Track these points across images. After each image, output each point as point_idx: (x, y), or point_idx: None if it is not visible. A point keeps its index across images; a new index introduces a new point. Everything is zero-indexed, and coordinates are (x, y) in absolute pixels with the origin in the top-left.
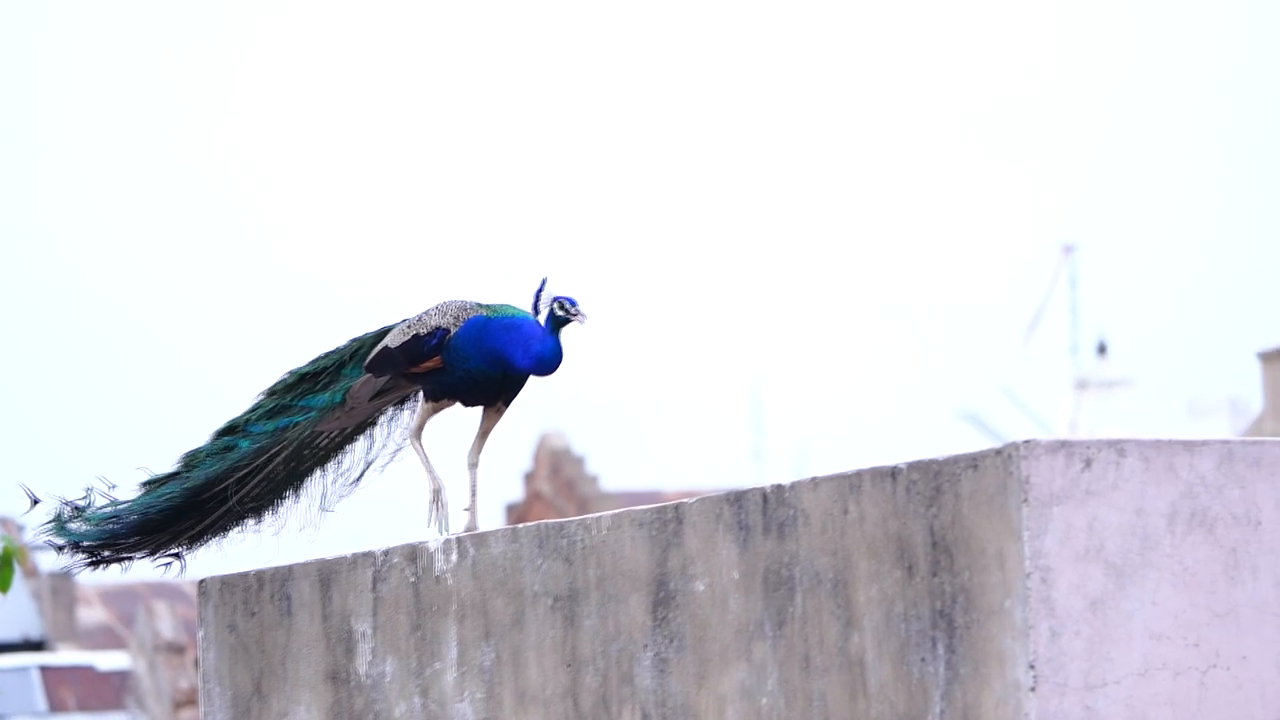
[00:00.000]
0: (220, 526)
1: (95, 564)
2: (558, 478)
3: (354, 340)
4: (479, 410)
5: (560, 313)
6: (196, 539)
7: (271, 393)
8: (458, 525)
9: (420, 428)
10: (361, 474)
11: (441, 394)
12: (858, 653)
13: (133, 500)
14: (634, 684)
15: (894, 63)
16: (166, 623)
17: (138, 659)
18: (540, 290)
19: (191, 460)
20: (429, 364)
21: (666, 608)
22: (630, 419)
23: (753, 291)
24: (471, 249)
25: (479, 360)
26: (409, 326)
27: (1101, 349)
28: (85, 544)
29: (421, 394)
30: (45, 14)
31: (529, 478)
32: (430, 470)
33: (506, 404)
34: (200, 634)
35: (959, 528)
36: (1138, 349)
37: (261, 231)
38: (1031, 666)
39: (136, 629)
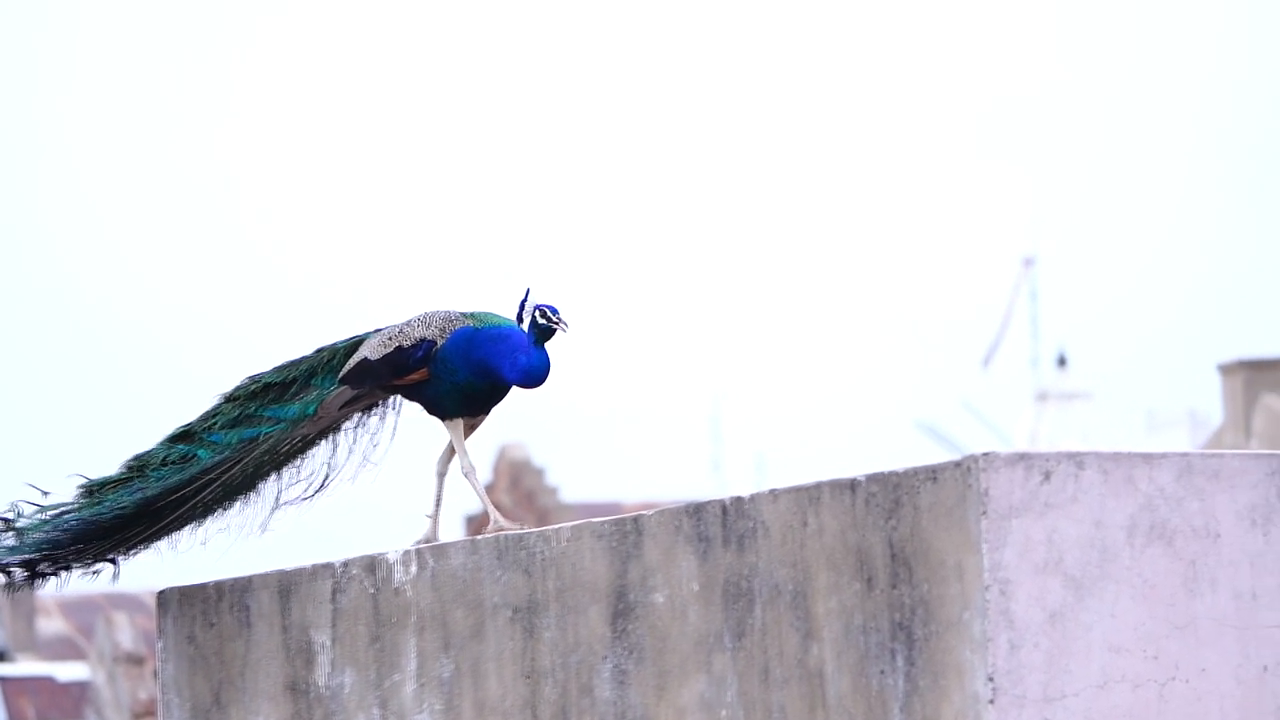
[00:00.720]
0: (168, 533)
1: (32, 579)
2: (518, 489)
3: (321, 350)
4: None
5: (542, 321)
6: (141, 546)
7: (231, 399)
8: (416, 533)
9: (465, 451)
10: (325, 481)
11: (433, 408)
12: (817, 664)
13: (77, 508)
14: (593, 695)
15: (852, 79)
16: (126, 634)
17: (97, 670)
18: (524, 300)
19: (142, 466)
20: (414, 376)
21: (626, 619)
22: (590, 431)
23: (712, 304)
24: (453, 256)
25: (467, 372)
26: (389, 338)
27: (1061, 361)
28: (16, 560)
29: (441, 421)
30: (42, 16)
31: (489, 489)
32: (484, 495)
33: (485, 414)
34: (159, 645)
35: (918, 540)
36: (1098, 362)
37: (255, 234)
38: (990, 679)
39: (96, 640)
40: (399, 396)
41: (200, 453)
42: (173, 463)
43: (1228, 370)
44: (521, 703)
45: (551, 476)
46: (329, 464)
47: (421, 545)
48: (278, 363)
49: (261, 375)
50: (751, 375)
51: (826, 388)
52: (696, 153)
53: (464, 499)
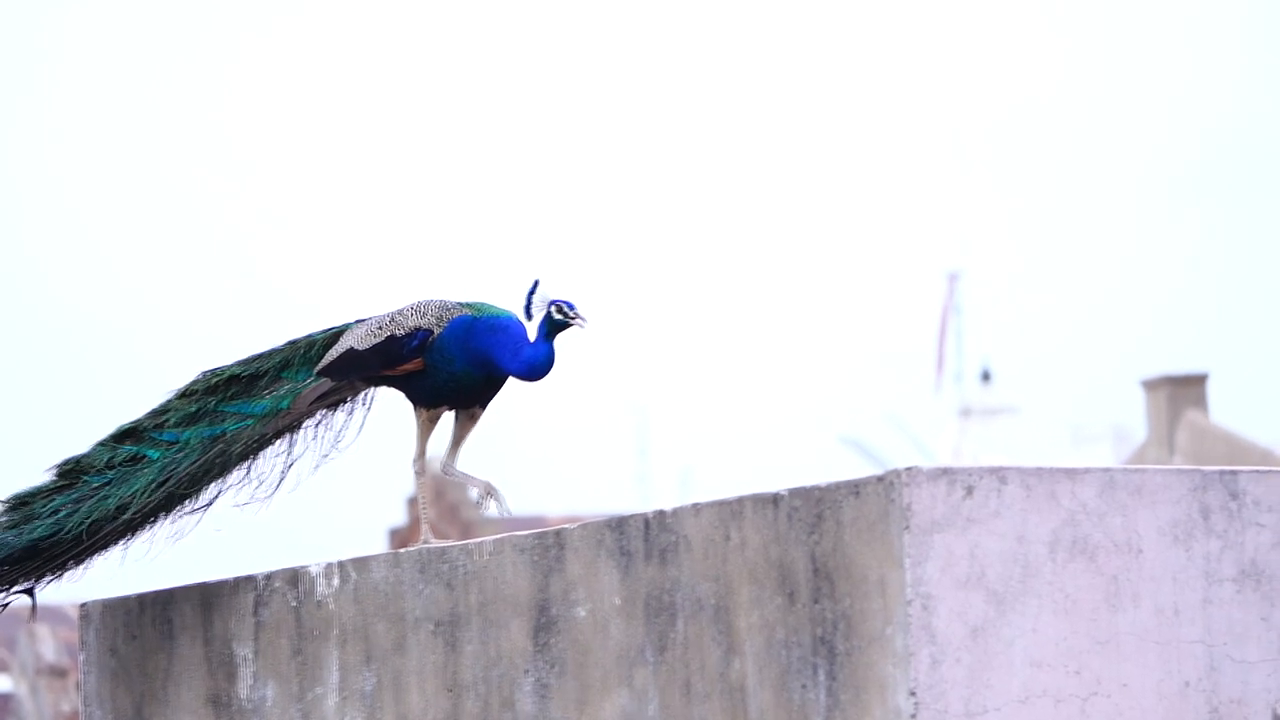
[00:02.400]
0: (104, 547)
1: None
2: (441, 502)
3: (295, 342)
4: (449, 416)
5: (559, 316)
6: (75, 564)
7: (185, 394)
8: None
9: (424, 453)
10: (280, 481)
11: (425, 398)
12: (739, 679)
13: (8, 524)
14: (515, 709)
15: (780, 95)
16: (48, 646)
17: (19, 682)
18: (532, 292)
19: (78, 470)
20: (408, 366)
21: (548, 633)
22: (514, 444)
23: (638, 318)
24: (434, 257)
25: (464, 362)
26: (379, 327)
27: (986, 376)
28: None
29: (414, 408)
30: (21, 17)
31: (412, 503)
32: (469, 478)
33: (483, 407)
34: (82, 657)
35: (840, 554)
36: (1022, 376)
37: (234, 234)
38: (912, 693)
39: (18, 652)
40: (372, 391)
41: (150, 453)
42: (119, 465)
43: (1152, 386)
44: (443, 716)
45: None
46: (285, 463)
47: (344, 561)
48: (240, 357)
49: (223, 369)
50: (677, 389)
51: (752, 402)
52: (618, 168)
53: (392, 512)
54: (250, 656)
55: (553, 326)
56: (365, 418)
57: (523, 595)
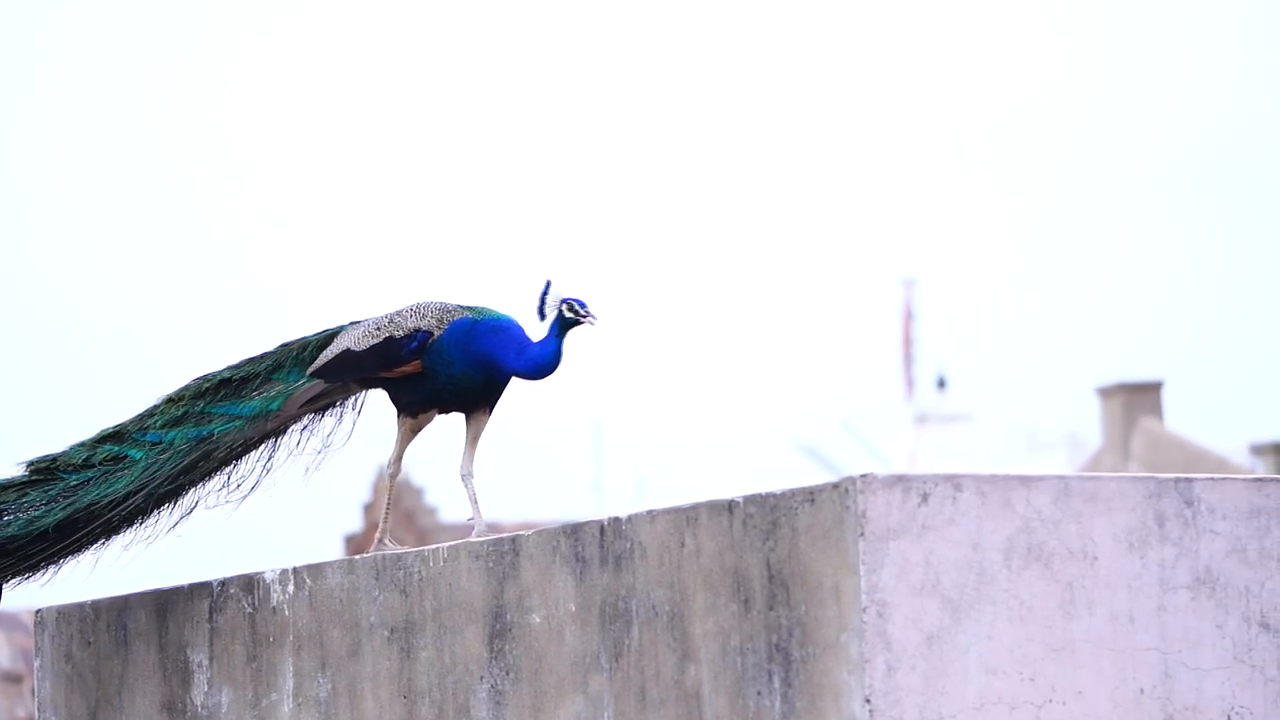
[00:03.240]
0: (79, 549)
1: None
2: (396, 509)
3: (288, 344)
4: (461, 418)
5: (570, 315)
6: (47, 565)
7: (174, 399)
8: (471, 534)
9: (400, 458)
10: (256, 484)
11: (420, 402)
12: (694, 685)
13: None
14: (470, 716)
15: (734, 97)
16: (4, 652)
17: None
18: (545, 292)
19: (52, 469)
20: (406, 368)
21: (503, 640)
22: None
23: (593, 325)
24: (420, 262)
25: (464, 365)
26: (377, 329)
27: (941, 383)
28: None
29: (398, 414)
30: (29, 19)
31: (368, 509)
32: (475, 504)
33: (491, 408)
34: (37, 664)
35: (795, 561)
36: (977, 383)
37: (236, 239)
38: (867, 700)
39: None
40: (363, 396)
41: (132, 453)
42: (99, 464)
43: (1107, 393)
44: None
45: (431, 496)
46: (266, 466)
47: (299, 567)
48: (235, 360)
49: (214, 374)
50: (632, 397)
51: (708, 410)
52: (574, 168)
53: (348, 519)
54: (205, 663)
55: (564, 325)
56: (355, 422)
57: (478, 602)
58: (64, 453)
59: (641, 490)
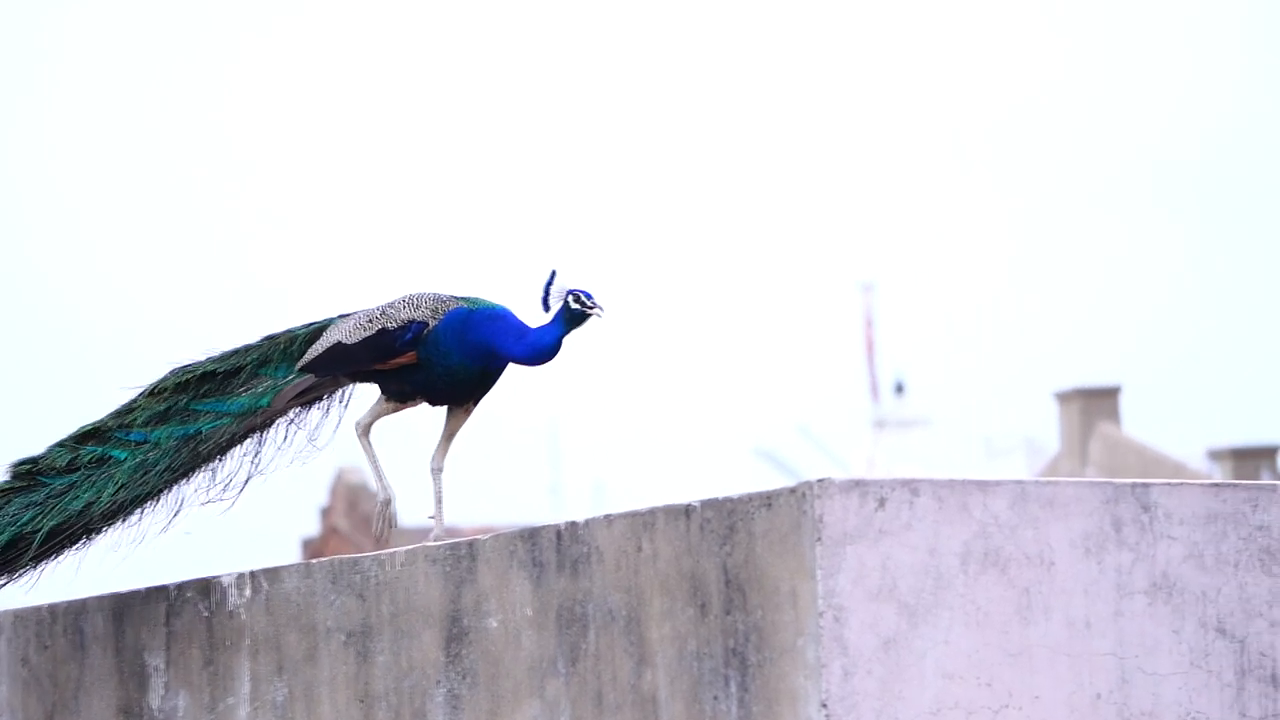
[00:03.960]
0: (61, 550)
1: None
2: (354, 513)
3: (274, 337)
4: (442, 411)
5: (576, 306)
6: (31, 567)
7: (155, 393)
8: (426, 533)
9: (370, 425)
10: (246, 481)
11: (412, 392)
12: (651, 690)
13: None
14: None
15: (693, 101)
16: None
17: None
18: (549, 283)
19: (33, 471)
20: (401, 360)
21: (460, 644)
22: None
23: None
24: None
25: (461, 355)
26: (369, 320)
27: (899, 388)
28: None
29: (381, 393)
30: (29, 19)
31: (325, 513)
32: (381, 476)
33: (476, 403)
34: None
35: (752, 566)
36: (935, 388)
37: (236, 239)
38: (824, 705)
39: None
40: (351, 389)
41: (117, 453)
42: (84, 466)
43: (1065, 398)
44: None
45: None
46: (254, 462)
47: (256, 571)
48: (212, 353)
49: (194, 365)
50: (590, 400)
51: (666, 414)
52: (534, 166)
53: (305, 523)
54: (162, 667)
55: (571, 317)
56: (342, 416)
57: (435, 606)
58: (45, 455)
59: (599, 494)
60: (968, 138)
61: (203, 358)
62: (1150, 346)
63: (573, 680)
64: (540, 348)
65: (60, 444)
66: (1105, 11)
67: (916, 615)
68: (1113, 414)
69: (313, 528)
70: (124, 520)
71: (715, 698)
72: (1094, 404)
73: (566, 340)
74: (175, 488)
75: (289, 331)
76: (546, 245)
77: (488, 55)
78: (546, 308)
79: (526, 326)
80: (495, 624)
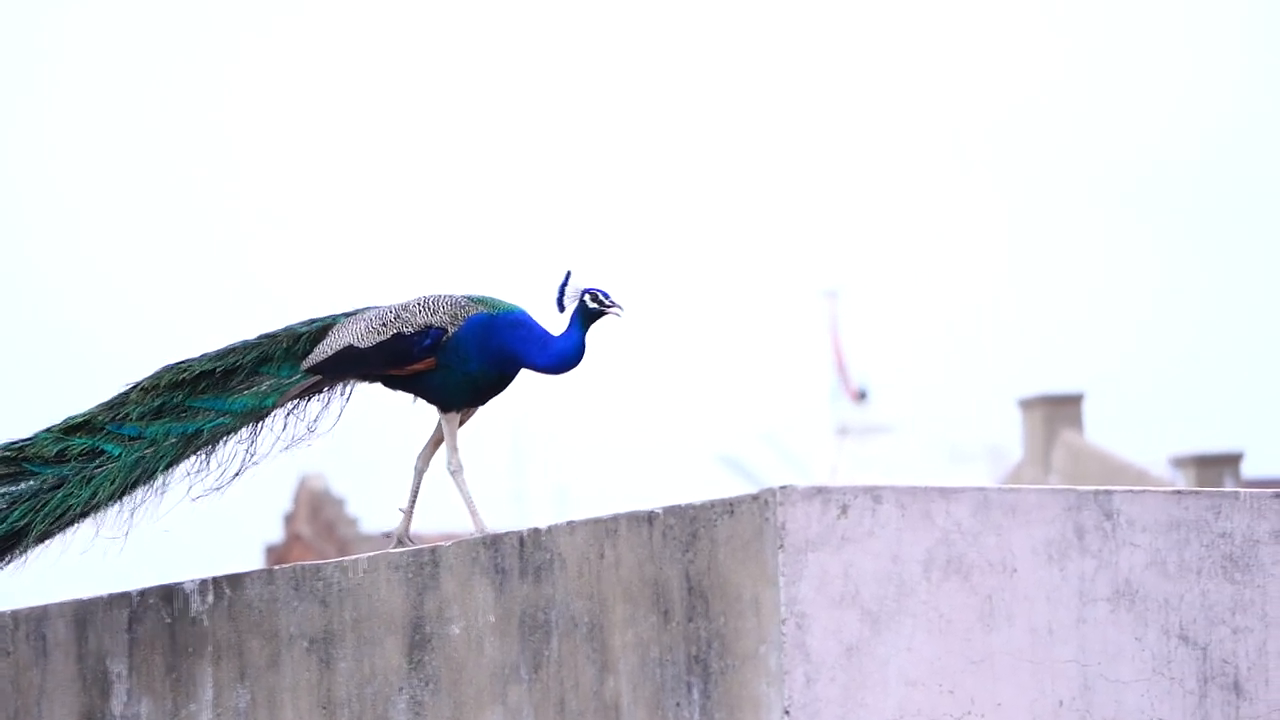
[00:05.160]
0: (37, 542)
1: None
2: (318, 520)
3: (273, 335)
4: (434, 415)
5: (593, 305)
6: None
7: (148, 389)
8: (390, 527)
9: (457, 449)
10: (239, 472)
11: (437, 398)
12: (613, 697)
13: None
14: None
15: (661, 106)
16: None
17: None
18: (565, 283)
19: (20, 458)
20: (419, 366)
21: (422, 650)
22: (389, 461)
23: None
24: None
25: (481, 361)
26: (383, 324)
27: (863, 395)
28: None
29: (440, 413)
30: (29, 19)
31: (289, 519)
32: (476, 513)
33: (484, 404)
34: None
35: (715, 573)
36: (899, 395)
37: (236, 240)
38: (787, 712)
39: None
40: (353, 383)
41: (109, 448)
42: (73, 458)
43: (1028, 405)
44: None
45: (352, 507)
46: (250, 452)
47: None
48: (206, 351)
49: (190, 363)
50: (552, 406)
51: (629, 420)
52: (494, 172)
53: (268, 529)
54: (124, 673)
55: (587, 316)
56: (343, 408)
57: (397, 613)
58: (32, 440)
59: (563, 501)
60: (933, 146)
61: (197, 355)
62: (1114, 354)
63: (535, 687)
64: (565, 356)
65: (48, 431)
66: (1079, 19)
67: (879, 622)
68: (1076, 421)
69: (276, 534)
70: (104, 513)
71: (678, 704)
72: (1057, 411)
73: (588, 342)
74: (165, 480)
75: (289, 329)
76: (518, 250)
77: (481, 58)
78: (561, 308)
79: (549, 334)
80: (458, 630)
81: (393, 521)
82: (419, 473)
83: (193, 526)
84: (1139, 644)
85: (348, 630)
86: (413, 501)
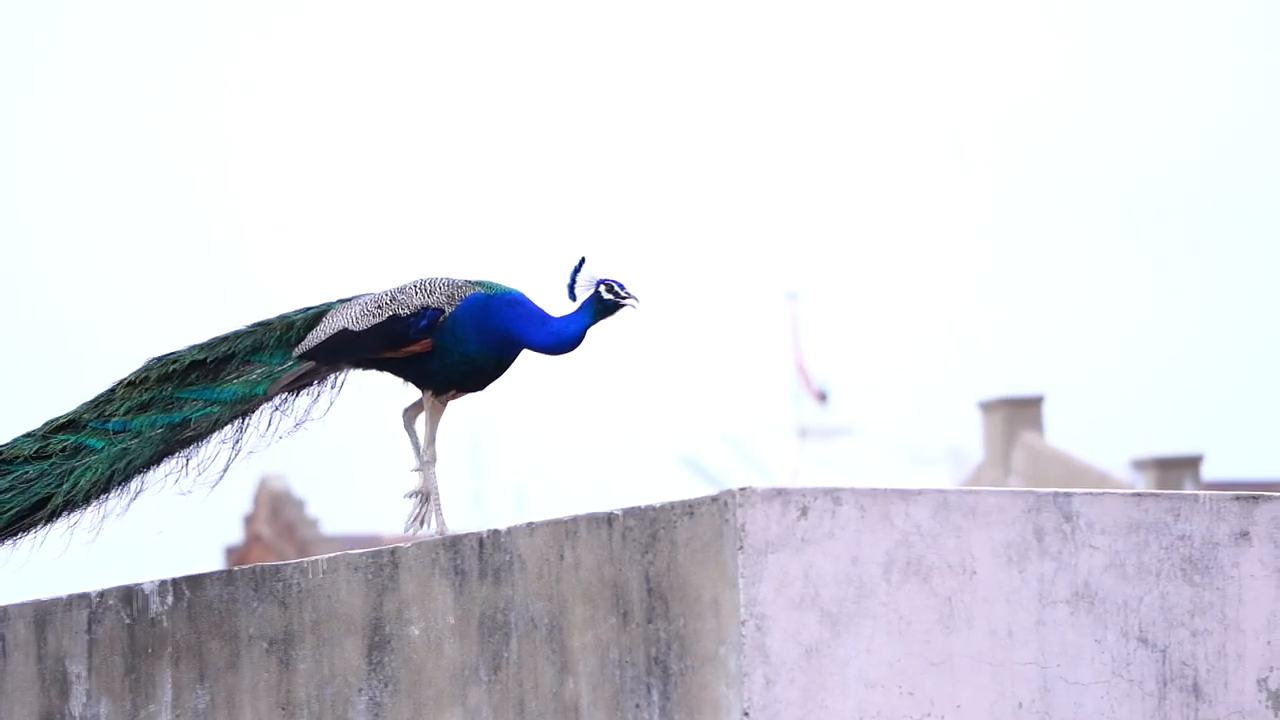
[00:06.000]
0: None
1: None
2: (278, 520)
3: (266, 323)
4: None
5: (608, 296)
6: None
7: (135, 384)
8: (410, 486)
9: (434, 441)
10: (226, 467)
11: (433, 381)
12: (572, 699)
13: None
14: None
15: (630, 107)
16: None
17: None
18: (578, 270)
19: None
20: (415, 348)
21: (382, 652)
22: (350, 462)
23: None
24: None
25: (479, 342)
26: (379, 306)
27: (823, 397)
28: None
29: (424, 395)
30: (28, 19)
31: (249, 520)
32: (438, 511)
33: (463, 393)
34: None
35: (675, 574)
36: (859, 397)
37: (237, 240)
38: (746, 714)
39: None
40: (344, 375)
41: (92, 443)
42: (55, 454)
43: (989, 407)
44: None
45: (312, 508)
46: (236, 448)
47: (417, 499)
48: (193, 343)
49: (179, 355)
50: (512, 407)
51: (588, 421)
52: (464, 173)
53: (228, 530)
54: (84, 674)
55: (601, 307)
56: (333, 401)
57: (356, 614)
58: (11, 444)
59: (521, 502)
60: (894, 148)
61: (185, 347)
62: (1074, 356)
63: (495, 688)
64: (564, 336)
65: (29, 434)
66: (1037, 22)
67: (839, 624)
68: (1036, 424)
69: (236, 535)
70: (85, 509)
71: (637, 706)
72: (1018, 413)
73: (592, 331)
74: (147, 474)
75: (284, 317)
76: (483, 248)
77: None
78: (573, 296)
79: (547, 314)
80: (417, 632)
81: (409, 483)
82: (409, 429)
83: (152, 527)
84: (1098, 646)
85: (307, 631)
86: (419, 455)
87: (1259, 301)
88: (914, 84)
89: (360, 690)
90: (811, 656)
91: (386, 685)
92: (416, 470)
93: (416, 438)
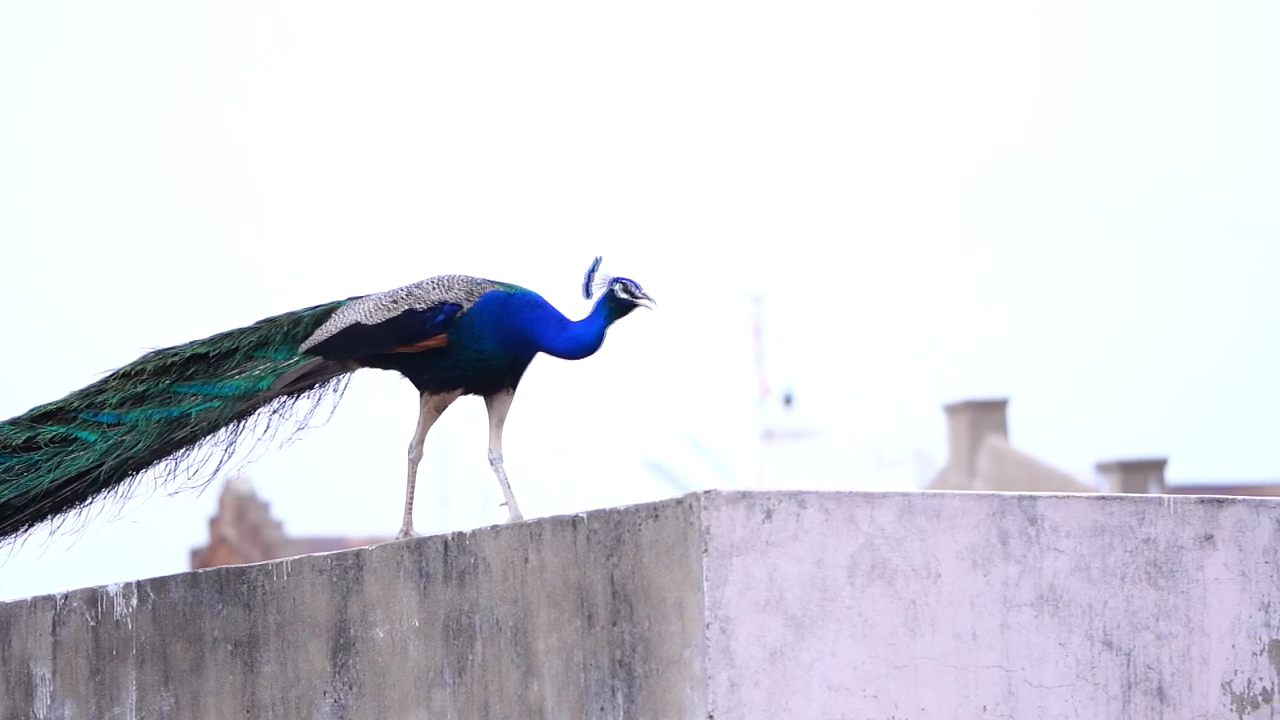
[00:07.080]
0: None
1: None
2: (243, 523)
3: (273, 319)
4: (480, 403)
5: (624, 296)
6: None
7: (129, 375)
8: (502, 518)
9: (423, 440)
10: (216, 470)
11: (442, 380)
12: (537, 701)
13: None
14: None
15: (598, 110)
16: None
17: None
18: (593, 269)
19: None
20: (430, 343)
21: (346, 654)
22: (316, 465)
23: None
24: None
25: (494, 341)
26: (394, 301)
27: (788, 400)
28: None
29: (419, 394)
30: (28, 19)
31: (214, 522)
32: (410, 509)
33: (514, 387)
34: None
35: (639, 577)
36: (824, 400)
37: (238, 240)
38: (710, 717)
39: None
40: (348, 377)
41: (84, 435)
42: (44, 445)
43: (953, 410)
44: None
45: (277, 510)
46: (229, 450)
47: (143, 580)
48: (194, 337)
49: (180, 348)
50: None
51: (553, 423)
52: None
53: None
54: (48, 676)
55: (616, 307)
56: (336, 404)
57: (321, 616)
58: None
59: (486, 505)
60: (855, 151)
61: (184, 341)
62: (1039, 360)
63: (459, 691)
64: (583, 341)
65: (14, 421)
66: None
67: (803, 627)
68: (1001, 427)
69: (201, 537)
70: (73, 507)
71: (602, 709)
72: (982, 416)
73: (609, 333)
74: (139, 473)
75: (291, 314)
76: (446, 248)
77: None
78: (588, 295)
79: (566, 317)
80: (382, 634)
81: (500, 516)
82: (497, 463)
83: (117, 529)
84: (1063, 649)
85: (272, 634)
86: (508, 492)
87: (1224, 306)
88: (881, 89)
89: (325, 693)
90: (776, 659)
91: (351, 688)
92: (503, 505)
93: (505, 477)
